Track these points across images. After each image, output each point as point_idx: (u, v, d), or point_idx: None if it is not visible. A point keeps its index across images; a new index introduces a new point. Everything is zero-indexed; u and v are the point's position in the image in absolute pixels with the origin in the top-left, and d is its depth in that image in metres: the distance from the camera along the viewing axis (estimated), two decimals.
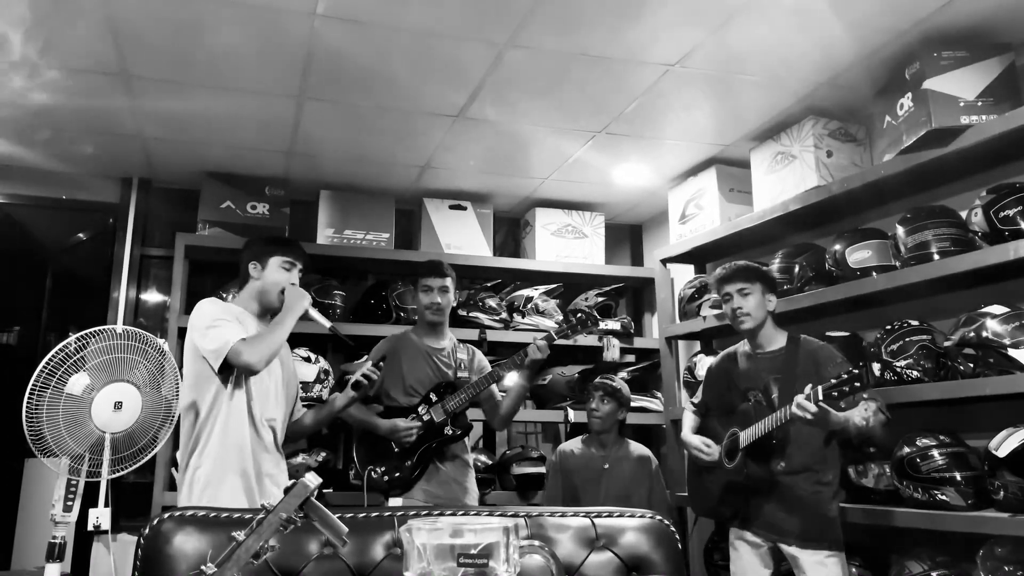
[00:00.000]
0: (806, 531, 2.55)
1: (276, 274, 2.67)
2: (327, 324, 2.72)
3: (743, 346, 2.85)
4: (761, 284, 2.75)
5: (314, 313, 2.67)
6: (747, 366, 2.79)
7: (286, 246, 2.74)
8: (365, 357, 3.23)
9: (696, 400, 3.01)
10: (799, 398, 2.34)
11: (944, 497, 2.53)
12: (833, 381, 2.30)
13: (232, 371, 2.50)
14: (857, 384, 2.26)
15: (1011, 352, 2.39)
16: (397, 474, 3.01)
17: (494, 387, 3.15)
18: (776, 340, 2.75)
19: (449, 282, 3.16)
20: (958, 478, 2.52)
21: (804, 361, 2.63)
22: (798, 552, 2.56)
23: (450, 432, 3.01)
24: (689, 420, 2.98)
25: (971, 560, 2.46)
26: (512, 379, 3.13)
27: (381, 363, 2.82)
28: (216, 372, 2.48)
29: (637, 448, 3.46)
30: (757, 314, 2.73)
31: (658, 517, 1.89)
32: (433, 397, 3.04)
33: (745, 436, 2.63)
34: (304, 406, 2.94)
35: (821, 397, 2.30)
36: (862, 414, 2.33)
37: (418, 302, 3.20)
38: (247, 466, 2.53)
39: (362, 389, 2.74)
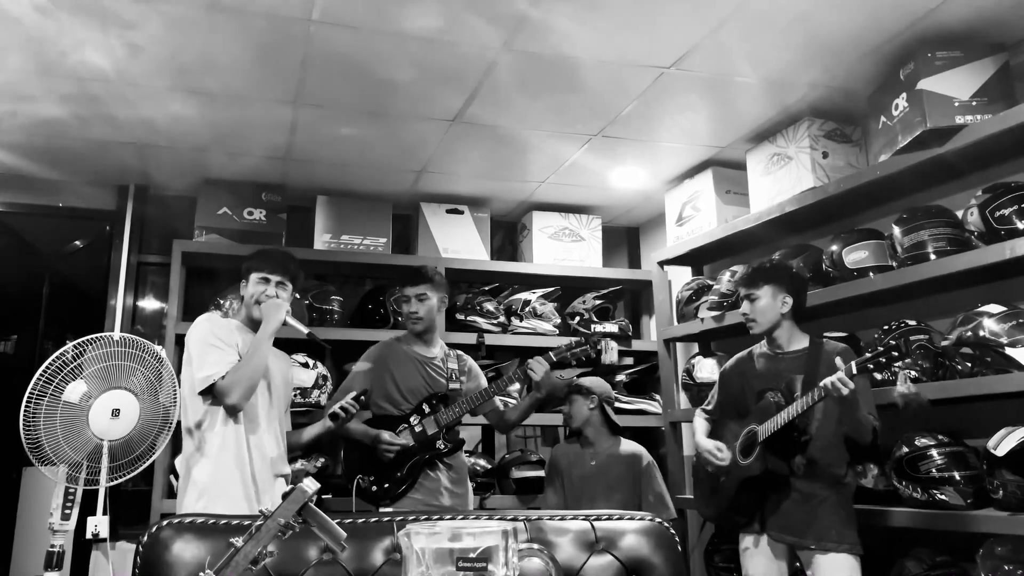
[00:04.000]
0: (826, 532, 2.51)
1: (253, 288, 2.74)
2: (304, 331, 2.76)
3: (760, 347, 2.81)
4: (772, 286, 2.69)
5: (292, 321, 2.72)
6: (765, 366, 2.75)
7: (260, 260, 2.79)
8: (361, 360, 3.23)
9: (709, 406, 2.96)
10: (837, 374, 2.32)
11: (943, 497, 2.53)
12: (868, 354, 2.31)
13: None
14: (895, 354, 2.28)
15: (1009, 351, 2.39)
16: (386, 484, 2.99)
17: (495, 398, 3.14)
18: (797, 341, 2.71)
19: (427, 289, 3.11)
20: (957, 477, 2.52)
21: (826, 362, 2.58)
22: (817, 555, 2.51)
23: (442, 446, 2.99)
24: (701, 425, 2.92)
25: (971, 559, 2.46)
26: (512, 387, 3.12)
27: (363, 397, 2.83)
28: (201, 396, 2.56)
29: (628, 446, 3.46)
30: (764, 319, 2.71)
31: (658, 520, 1.89)
32: (426, 408, 3.02)
33: (765, 429, 2.57)
34: (300, 411, 2.95)
35: (855, 371, 2.30)
36: (904, 384, 2.32)
37: (401, 312, 3.21)
38: (246, 477, 2.54)
39: (339, 421, 2.79)
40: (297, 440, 2.88)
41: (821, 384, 2.38)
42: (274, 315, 2.66)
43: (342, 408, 2.76)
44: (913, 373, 2.67)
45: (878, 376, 2.43)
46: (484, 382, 3.23)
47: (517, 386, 3.09)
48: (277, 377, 2.77)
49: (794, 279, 2.76)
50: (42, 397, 2.45)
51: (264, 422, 2.66)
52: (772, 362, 2.74)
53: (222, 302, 3.59)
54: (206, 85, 2.98)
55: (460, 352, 3.27)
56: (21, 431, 2.41)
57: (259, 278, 2.74)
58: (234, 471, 2.54)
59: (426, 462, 3.00)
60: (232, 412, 2.56)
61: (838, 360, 2.36)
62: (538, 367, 2.91)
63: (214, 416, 2.56)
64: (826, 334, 2.89)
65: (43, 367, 2.47)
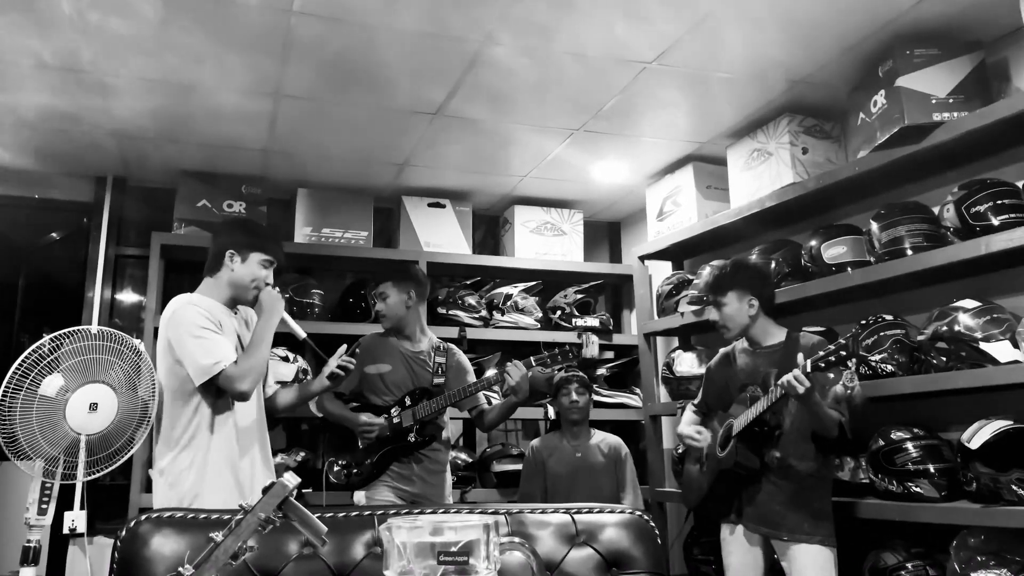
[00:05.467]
0: (799, 524, 2.55)
1: (255, 270, 2.60)
2: (302, 334, 2.66)
3: (741, 343, 2.86)
4: (736, 291, 2.76)
5: (289, 320, 2.64)
6: (745, 362, 2.80)
7: (269, 242, 2.67)
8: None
9: (697, 400, 3.02)
10: (793, 372, 2.37)
11: (918, 489, 2.56)
12: (821, 353, 2.36)
13: (213, 386, 2.48)
14: (843, 353, 2.32)
15: (983, 346, 2.42)
16: (356, 470, 3.04)
17: (479, 394, 3.16)
18: (773, 335, 2.77)
19: (387, 287, 3.13)
20: (932, 470, 2.56)
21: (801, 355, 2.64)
22: (790, 546, 2.55)
23: (413, 439, 3.01)
24: (688, 417, 2.99)
25: (945, 551, 2.50)
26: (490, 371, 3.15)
27: (357, 350, 2.81)
28: (197, 386, 2.46)
29: (607, 436, 3.54)
30: (734, 323, 2.78)
31: (638, 512, 1.90)
32: (407, 401, 3.04)
33: (736, 423, 2.64)
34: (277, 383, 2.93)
35: (810, 369, 2.35)
36: (844, 382, 2.37)
37: None
38: (237, 470, 2.51)
39: (337, 379, 2.72)
40: (304, 393, 2.80)
41: (778, 382, 2.43)
42: (276, 308, 2.57)
43: (340, 367, 2.69)
44: (889, 369, 2.71)
45: (831, 375, 2.47)
46: (471, 378, 3.24)
47: (492, 372, 3.10)
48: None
49: (756, 279, 2.84)
50: (18, 391, 2.42)
51: (256, 418, 2.63)
52: (751, 357, 2.79)
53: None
54: (186, 76, 2.95)
55: (451, 346, 3.28)
56: None
57: (264, 261, 2.61)
58: (225, 467, 2.49)
59: (399, 451, 3.01)
60: (242, 399, 2.49)
61: (799, 357, 2.40)
62: (515, 372, 2.92)
63: (202, 405, 2.49)
64: (804, 328, 2.92)
65: (19, 360, 2.44)
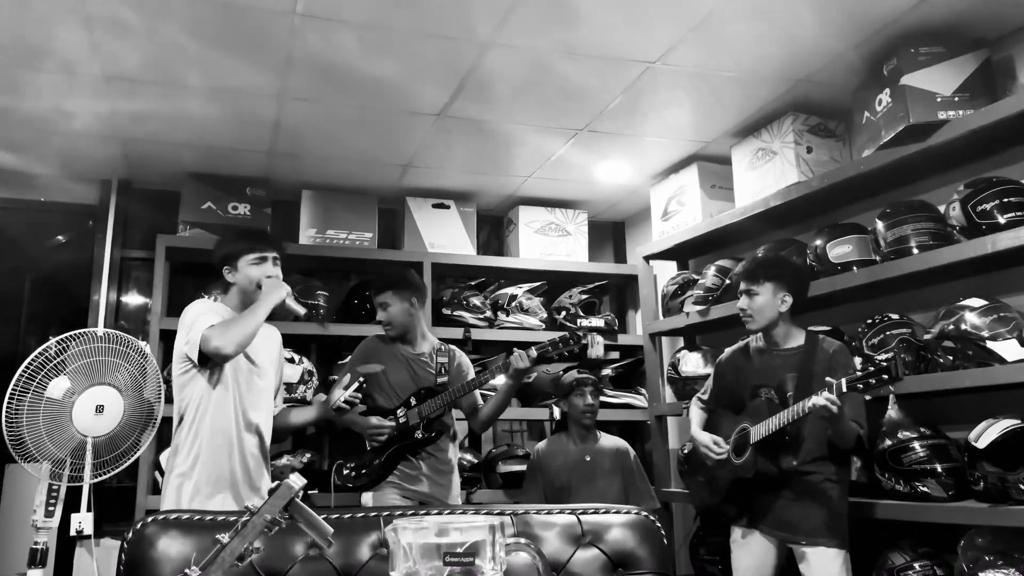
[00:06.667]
0: (816, 528, 2.51)
1: (250, 271, 2.62)
2: (302, 311, 2.74)
3: (756, 341, 2.79)
4: (773, 284, 2.66)
5: (291, 302, 2.66)
6: (760, 362, 2.74)
7: (252, 240, 2.69)
8: (349, 358, 3.22)
9: (705, 395, 2.96)
10: (825, 392, 2.29)
11: (925, 489, 2.55)
12: (859, 373, 2.27)
13: (216, 366, 2.48)
14: (885, 377, 2.21)
15: (989, 344, 2.42)
16: (364, 471, 3.05)
17: (475, 392, 3.16)
18: (793, 337, 2.70)
19: (388, 297, 3.10)
20: (939, 470, 2.55)
21: (821, 361, 2.57)
22: (807, 549, 2.52)
23: (420, 436, 3.02)
24: (697, 415, 2.93)
25: (952, 550, 2.49)
26: (497, 380, 3.14)
27: (363, 383, 2.81)
28: (199, 366, 2.48)
29: (613, 440, 3.52)
30: (762, 316, 2.68)
31: (644, 513, 1.90)
32: (413, 401, 3.06)
33: (756, 432, 2.57)
34: (287, 404, 2.94)
35: (845, 389, 2.27)
36: (893, 408, 2.30)
37: None
38: (237, 474, 2.52)
39: (343, 412, 2.77)
40: (284, 422, 2.82)
41: (810, 403, 2.35)
42: (276, 293, 2.57)
43: (347, 401, 2.73)
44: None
45: (867, 398, 2.41)
46: (472, 376, 3.24)
47: (502, 379, 3.09)
48: (264, 360, 2.74)
49: (796, 276, 2.73)
50: (25, 393, 2.43)
51: (261, 411, 2.64)
52: (767, 358, 2.72)
53: (207, 298, 3.57)
54: (190, 79, 2.96)
55: (452, 347, 3.28)
56: (3, 428, 2.39)
57: (255, 259, 2.63)
58: (225, 471, 2.51)
59: (406, 450, 3.03)
60: (220, 359, 2.45)
61: (834, 381, 2.31)
62: (522, 360, 2.93)
63: (206, 408, 2.51)
64: (810, 328, 2.91)
65: (25, 363, 2.46)
